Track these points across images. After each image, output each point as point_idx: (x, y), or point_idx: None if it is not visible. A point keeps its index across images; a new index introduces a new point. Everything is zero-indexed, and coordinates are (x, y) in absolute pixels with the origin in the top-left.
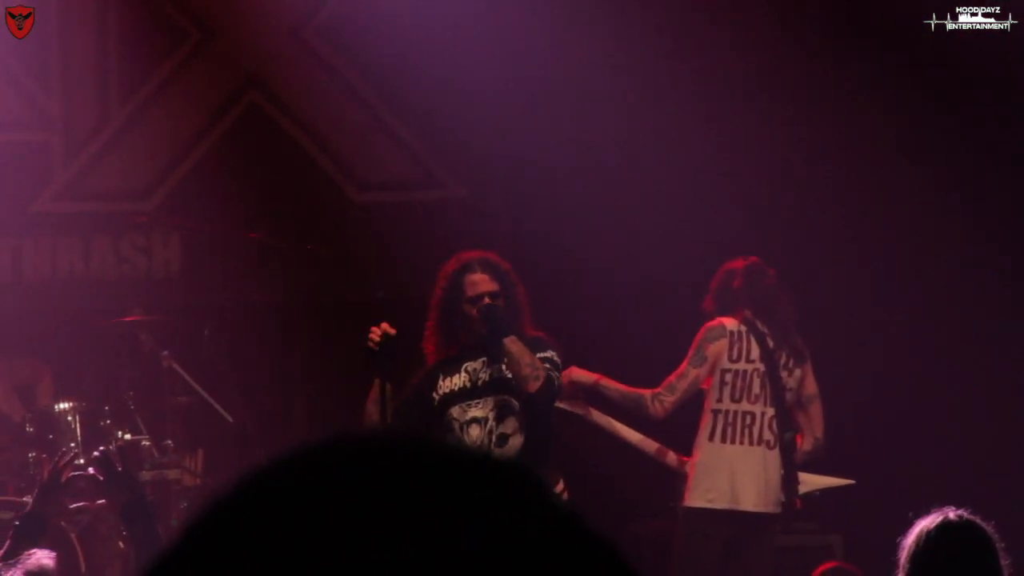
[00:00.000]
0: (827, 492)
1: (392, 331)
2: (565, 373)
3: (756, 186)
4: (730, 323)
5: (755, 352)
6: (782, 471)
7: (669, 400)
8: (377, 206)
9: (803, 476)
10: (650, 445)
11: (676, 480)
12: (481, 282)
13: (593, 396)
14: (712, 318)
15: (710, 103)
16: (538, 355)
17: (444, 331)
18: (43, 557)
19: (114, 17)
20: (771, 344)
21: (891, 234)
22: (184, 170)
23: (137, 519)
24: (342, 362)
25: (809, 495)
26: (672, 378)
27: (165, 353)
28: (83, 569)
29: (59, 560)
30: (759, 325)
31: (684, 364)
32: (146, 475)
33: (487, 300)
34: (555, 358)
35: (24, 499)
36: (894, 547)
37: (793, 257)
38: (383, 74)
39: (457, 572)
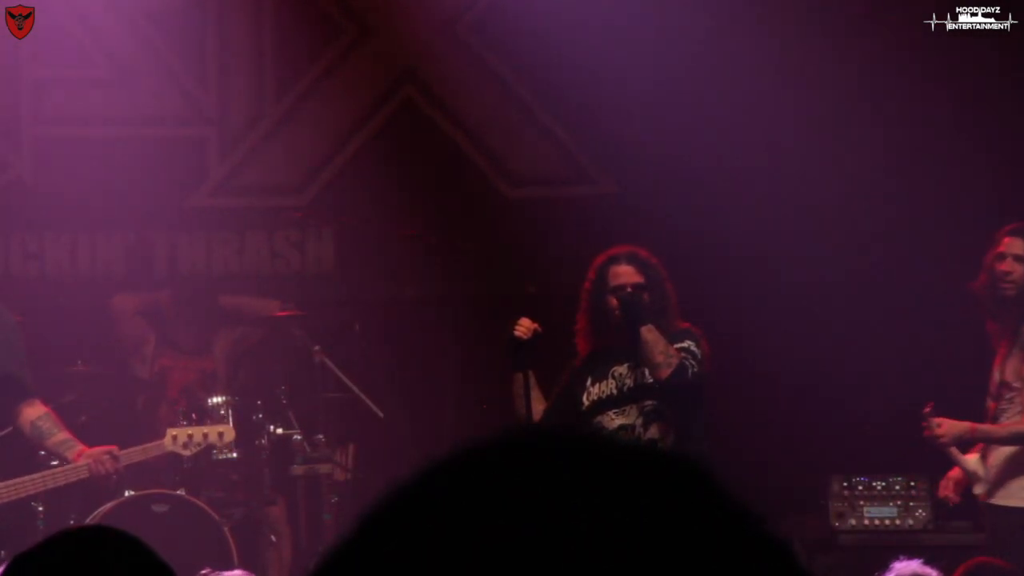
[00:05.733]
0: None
1: (539, 328)
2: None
3: (909, 181)
4: None
5: None
6: None
7: None
8: (529, 202)
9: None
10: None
11: None
12: (625, 274)
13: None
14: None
15: (861, 102)
16: (676, 345)
17: (591, 324)
18: None
19: (270, 13)
20: None
21: None
22: (338, 165)
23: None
24: (493, 357)
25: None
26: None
27: (317, 348)
28: (236, 562)
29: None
30: None
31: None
32: (298, 469)
33: (628, 290)
34: (693, 347)
35: (178, 492)
36: None
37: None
38: (536, 70)
39: (634, 569)
